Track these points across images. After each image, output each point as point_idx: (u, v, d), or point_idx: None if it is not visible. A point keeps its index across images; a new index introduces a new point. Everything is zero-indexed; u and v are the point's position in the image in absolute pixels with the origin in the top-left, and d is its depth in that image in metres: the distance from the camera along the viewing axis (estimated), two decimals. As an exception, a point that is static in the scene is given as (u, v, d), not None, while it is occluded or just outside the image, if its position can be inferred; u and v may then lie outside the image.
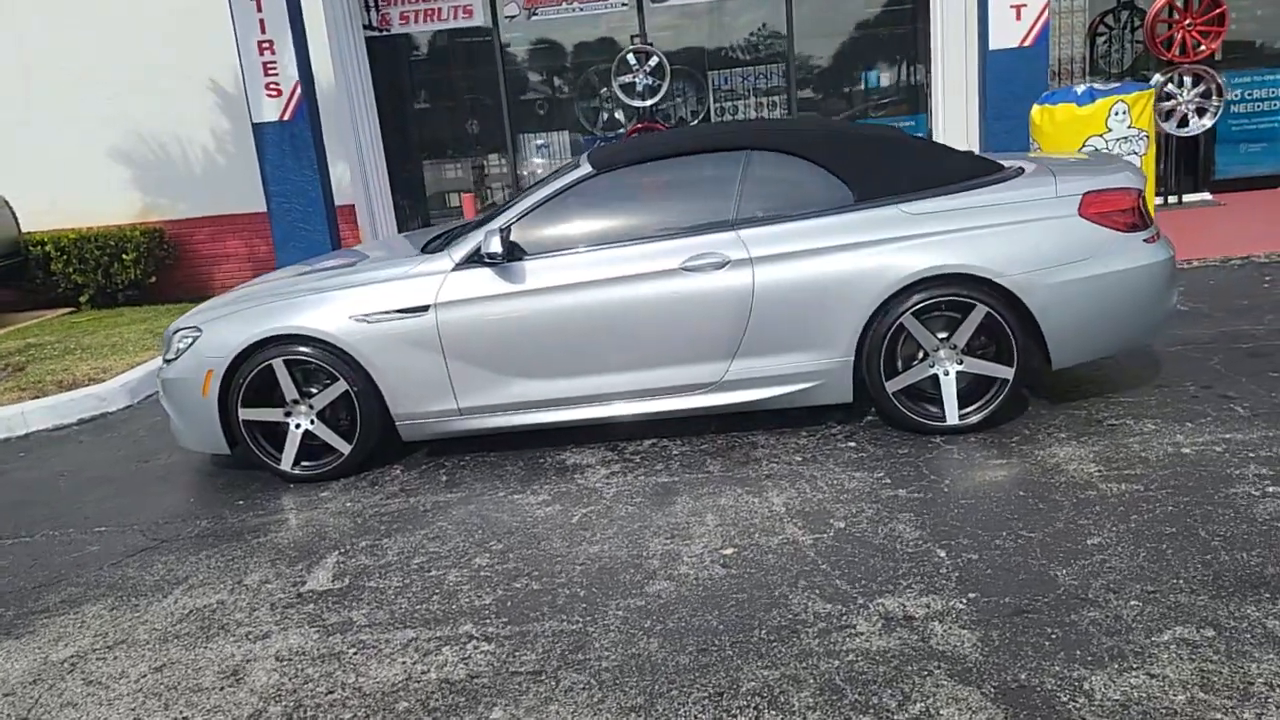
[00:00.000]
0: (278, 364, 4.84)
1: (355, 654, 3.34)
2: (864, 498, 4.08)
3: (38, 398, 6.75)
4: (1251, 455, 4.09)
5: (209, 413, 4.93)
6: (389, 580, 3.83)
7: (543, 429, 4.93)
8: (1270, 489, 3.78)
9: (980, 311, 4.50)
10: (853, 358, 4.61)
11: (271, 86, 9.29)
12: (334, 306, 4.83)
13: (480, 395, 4.81)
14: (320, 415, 4.91)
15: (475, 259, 4.70)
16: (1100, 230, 4.48)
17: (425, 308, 4.75)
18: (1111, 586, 3.25)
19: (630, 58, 9.97)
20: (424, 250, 5.09)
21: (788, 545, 3.75)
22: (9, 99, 11.16)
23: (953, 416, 4.61)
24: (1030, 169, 4.81)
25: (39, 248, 10.84)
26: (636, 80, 9.97)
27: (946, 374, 4.61)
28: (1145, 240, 4.53)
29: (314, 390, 4.90)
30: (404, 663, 3.25)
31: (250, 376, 4.86)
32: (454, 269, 4.76)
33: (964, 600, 3.25)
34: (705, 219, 4.73)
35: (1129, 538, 3.54)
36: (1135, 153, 7.01)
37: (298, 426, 4.93)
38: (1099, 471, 4.09)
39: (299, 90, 9.30)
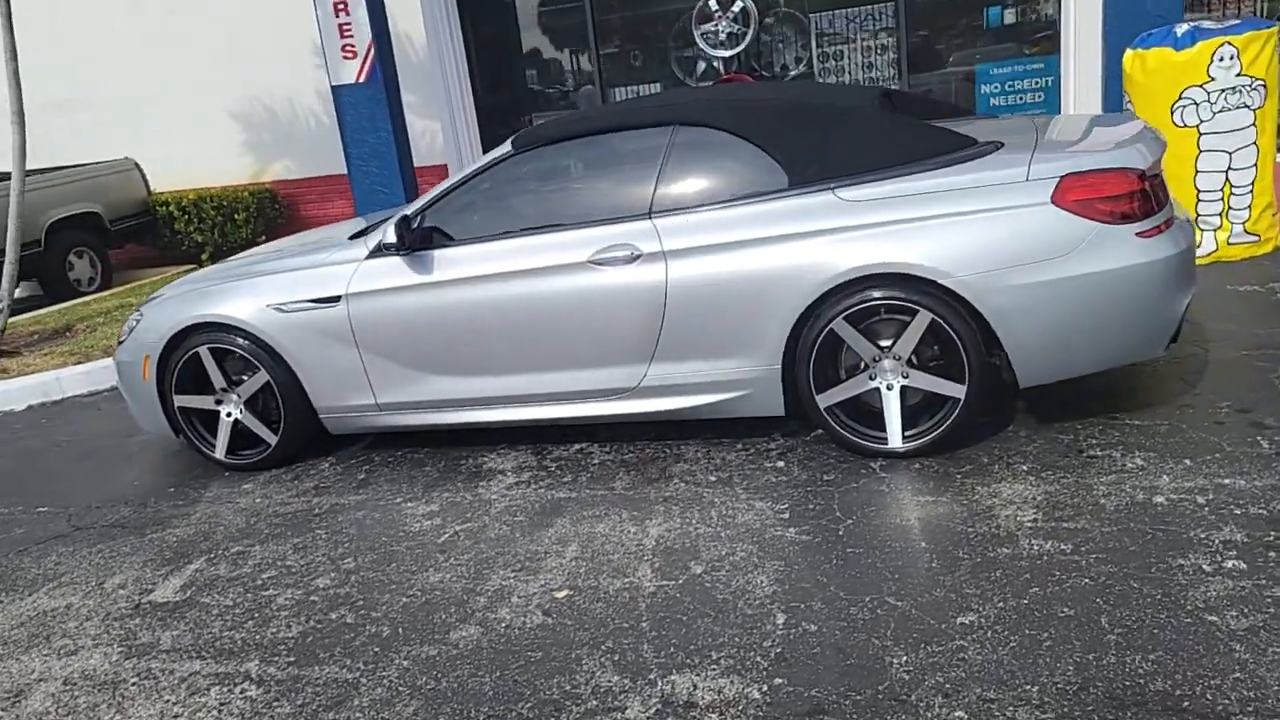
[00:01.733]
0: (203, 352, 4.74)
1: (133, 685, 3.17)
2: (746, 536, 3.54)
3: (81, 363, 7.01)
4: (1237, 512, 3.26)
5: (150, 397, 4.90)
6: (223, 597, 3.64)
7: (471, 429, 4.60)
8: (1228, 563, 2.99)
9: (924, 318, 3.79)
10: (779, 366, 4.01)
11: (347, 48, 9.23)
12: (254, 295, 4.66)
13: (397, 391, 4.54)
14: (251, 405, 4.77)
15: (388, 248, 4.38)
16: (1078, 222, 3.65)
17: (337, 299, 4.50)
18: (947, 687, 2.62)
19: (712, 3, 9.28)
20: (355, 236, 4.82)
21: (627, 592, 3.28)
22: (140, 71, 11.69)
23: (895, 439, 3.95)
24: (1013, 144, 4.00)
25: (164, 208, 11.38)
26: (719, 28, 9.29)
27: (890, 388, 3.94)
28: (1140, 234, 3.67)
29: (244, 379, 4.76)
30: (167, 701, 3.06)
31: (181, 363, 4.77)
32: (367, 257, 4.48)
33: (764, 688, 2.72)
34: (623, 205, 4.21)
35: (1011, 618, 2.87)
36: (1246, 105, 5.80)
37: (228, 415, 4.82)
38: (1033, 522, 3.37)
39: (373, 51, 9.20)
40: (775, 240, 3.91)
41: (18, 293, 10.71)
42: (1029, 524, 3.36)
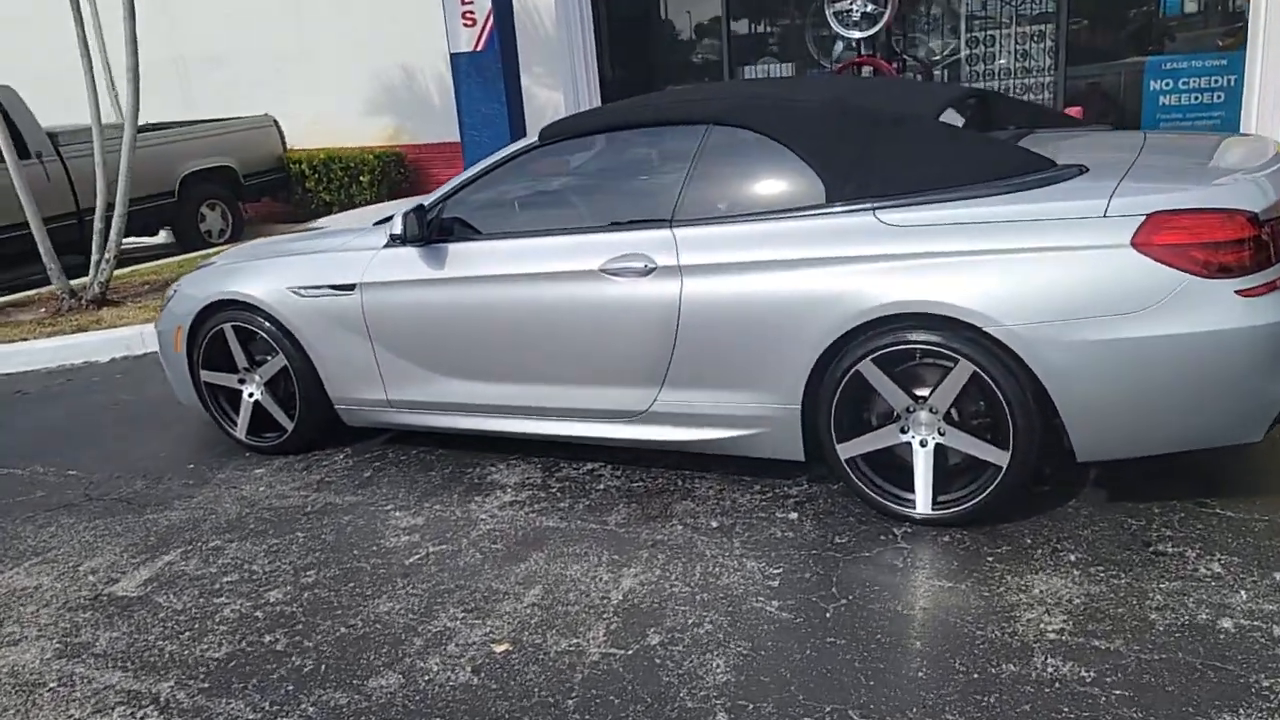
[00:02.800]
0: (227, 329, 4.60)
1: (48, 692, 3.03)
2: (722, 604, 3.10)
3: (168, 319, 7.08)
4: (1321, 655, 2.60)
5: (183, 369, 4.82)
6: (177, 599, 3.47)
7: (478, 436, 4.30)
8: (1286, 729, 2.36)
9: (965, 369, 3.23)
10: (799, 406, 3.52)
11: (467, 15, 9.05)
12: (276, 276, 4.48)
13: (408, 389, 4.27)
14: (272, 388, 4.61)
15: (395, 239, 4.10)
16: (1163, 271, 3.01)
17: (352, 287, 4.25)
18: None
19: (848, -20, 8.60)
20: (380, 222, 4.56)
21: (569, 656, 2.91)
22: (286, 30, 11.88)
23: (924, 504, 3.40)
24: (1101, 169, 3.35)
25: (297, 166, 11.57)
26: (853, 7, 8.59)
27: (923, 445, 3.39)
28: (1242, 291, 2.99)
29: (266, 360, 4.60)
30: (70, 716, 2.88)
31: (208, 339, 4.66)
32: (384, 246, 4.20)
33: (667, 811, 2.29)
34: (644, 210, 3.79)
35: (987, 765, 2.34)
36: None
37: (250, 396, 4.68)
38: (1057, 633, 2.80)
39: (492, 20, 8.98)
40: (802, 264, 3.41)
41: (157, 239, 11.16)
42: (1052, 635, 2.78)
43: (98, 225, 7.89)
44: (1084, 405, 3.14)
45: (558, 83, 10.33)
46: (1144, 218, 3.04)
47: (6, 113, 9.05)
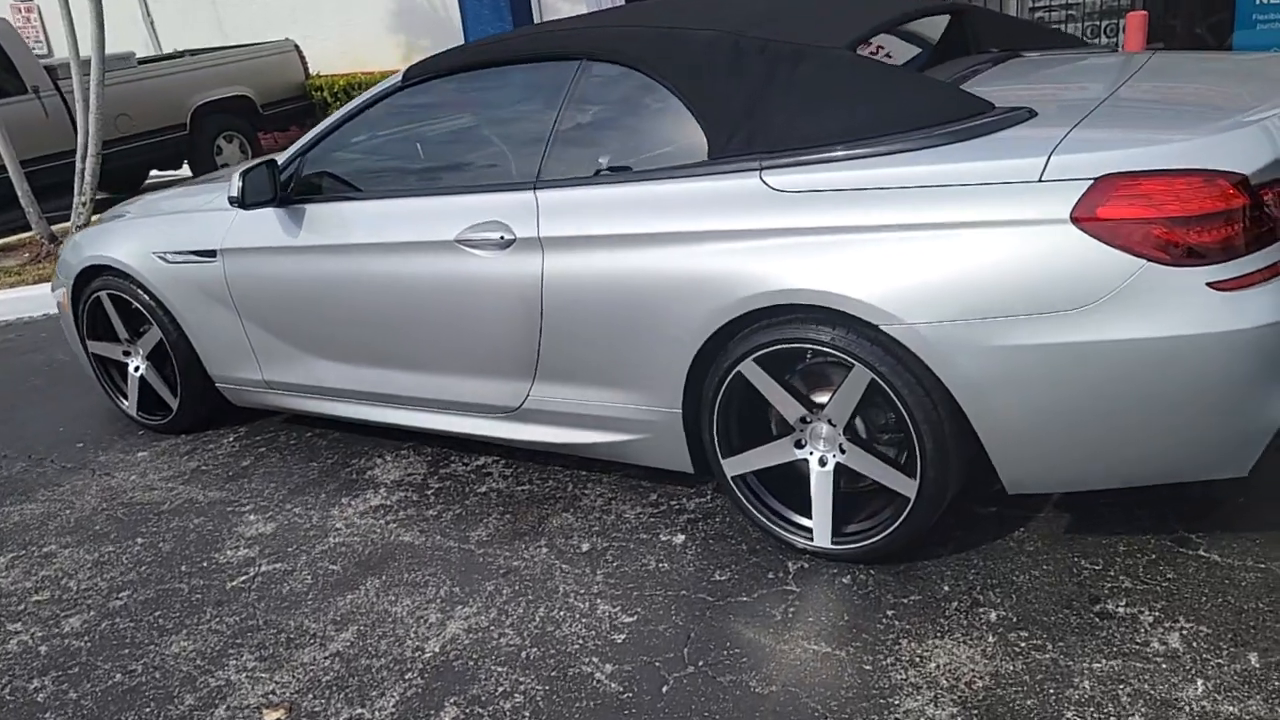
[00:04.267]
0: (104, 297, 4.14)
1: None
2: (550, 663, 2.53)
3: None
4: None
5: (74, 336, 4.41)
6: (-27, 623, 3.07)
7: (358, 424, 3.77)
8: None
9: (861, 377, 2.53)
10: (680, 411, 2.88)
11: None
12: (143, 238, 3.98)
13: (281, 369, 3.76)
14: (157, 363, 4.16)
15: (233, 201, 3.53)
16: (1112, 255, 2.25)
17: (213, 253, 3.73)
18: None
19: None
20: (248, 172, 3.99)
21: (344, 732, 2.39)
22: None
23: (823, 535, 2.75)
24: (1052, 113, 2.56)
25: (319, 93, 11.09)
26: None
27: (822, 464, 2.73)
28: (1216, 284, 2.21)
29: (144, 332, 4.15)
30: None
31: (88, 306, 4.22)
32: (245, 206, 3.64)
33: None
34: (508, 168, 3.15)
35: None
36: None
37: (136, 370, 4.23)
38: (938, 734, 2.15)
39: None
40: (675, 239, 2.73)
41: (177, 173, 10.85)
42: (931, 737, 2.14)
43: (78, 166, 7.55)
44: (1008, 427, 2.42)
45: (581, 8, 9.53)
46: (1090, 182, 2.27)
47: (2, 47, 8.74)
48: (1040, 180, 2.31)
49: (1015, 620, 2.47)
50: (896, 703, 2.25)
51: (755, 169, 2.65)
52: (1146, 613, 2.44)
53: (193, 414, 4.16)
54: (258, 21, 11.83)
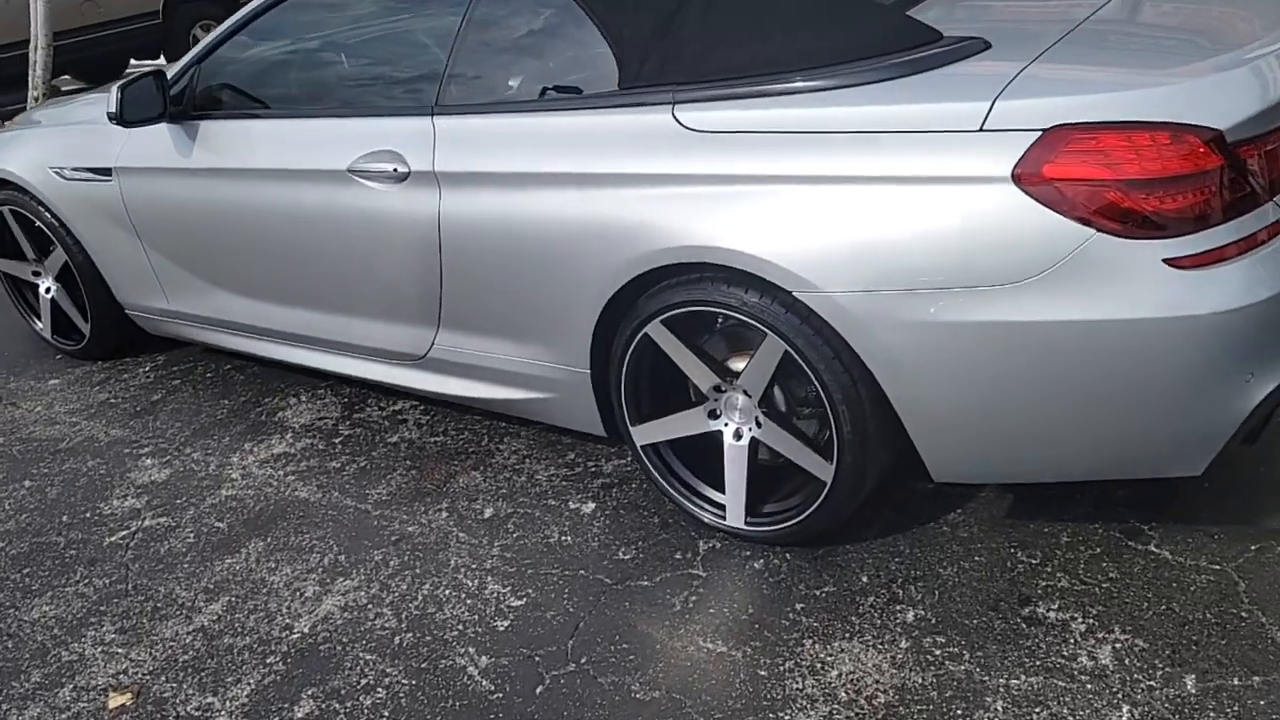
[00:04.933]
0: (5, 213, 3.85)
1: None
2: (422, 651, 2.32)
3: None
4: None
5: (-20, 253, 4.13)
6: None
7: (264, 361, 3.51)
8: None
9: (774, 347, 2.24)
10: (589, 371, 2.59)
11: None
12: (40, 151, 3.67)
13: (185, 300, 3.50)
14: (67, 284, 3.89)
15: (111, 117, 3.20)
16: (1057, 221, 1.92)
17: (108, 171, 3.42)
18: None
19: None
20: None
21: (191, 723, 2.19)
22: None
23: (736, 514, 2.49)
24: (1011, 45, 2.19)
25: None
26: None
27: (738, 437, 2.45)
28: (1175, 261, 1.88)
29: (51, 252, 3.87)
30: None
31: (-8, 222, 3.93)
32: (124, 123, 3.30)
33: None
34: (408, 90, 2.81)
35: None
36: None
37: (47, 292, 3.97)
38: (825, 762, 1.92)
39: None
40: (577, 180, 2.41)
41: (160, 62, 10.39)
42: (817, 764, 1.91)
43: (32, 58, 7.16)
44: (934, 411, 2.13)
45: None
46: (1038, 134, 1.93)
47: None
48: (981, 129, 1.97)
49: (934, 622, 2.22)
50: (785, 714, 2.02)
51: (668, 102, 2.31)
52: (1080, 619, 2.18)
53: (105, 341, 3.92)
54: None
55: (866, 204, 2.06)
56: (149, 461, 3.26)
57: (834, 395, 2.18)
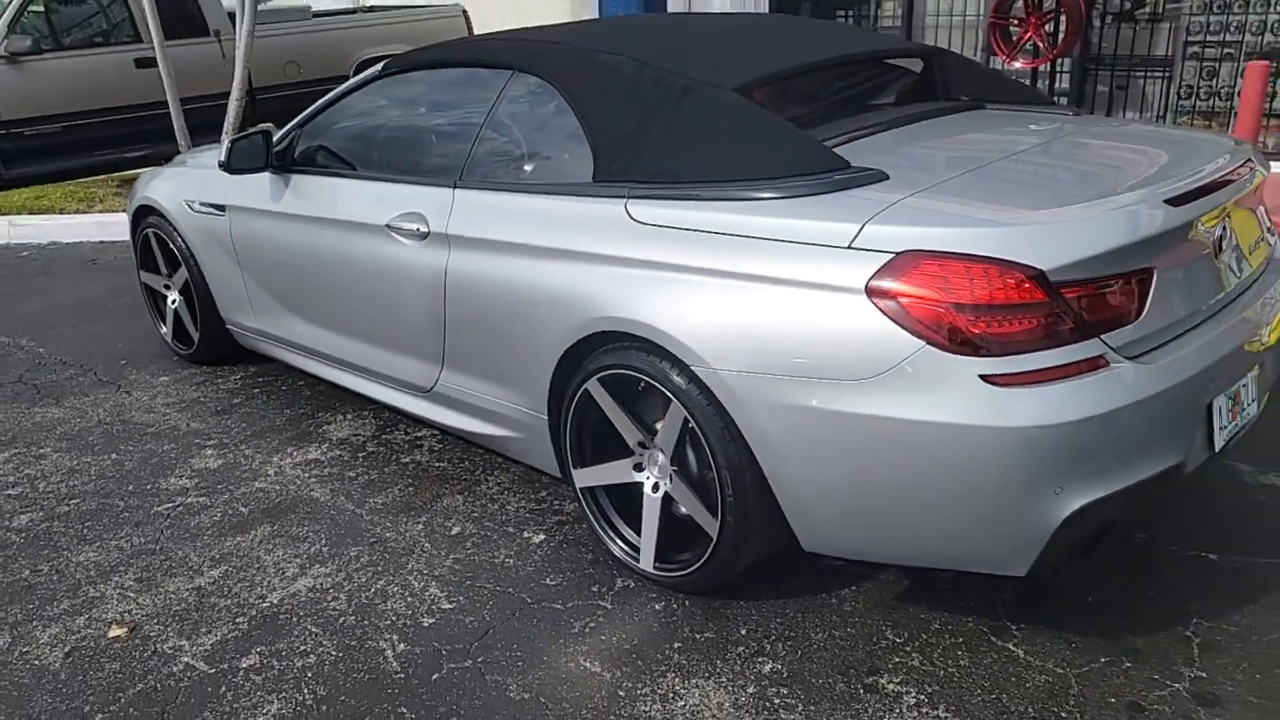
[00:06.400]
0: (150, 235, 4.61)
1: None
2: (352, 633, 2.74)
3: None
4: None
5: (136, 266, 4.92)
6: (-48, 504, 3.56)
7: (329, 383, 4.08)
8: None
9: (678, 412, 2.59)
10: (545, 417, 3.01)
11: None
12: (179, 187, 4.41)
13: (267, 320, 4.11)
14: (187, 298, 4.61)
15: (222, 165, 3.87)
16: (895, 332, 2.21)
17: (223, 207, 4.10)
18: None
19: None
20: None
21: (154, 660, 2.69)
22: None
23: (648, 559, 2.82)
24: (906, 177, 2.51)
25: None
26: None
27: (655, 490, 2.80)
28: (989, 377, 2.15)
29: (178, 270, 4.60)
30: None
31: (141, 240, 4.71)
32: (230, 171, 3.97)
33: None
34: (441, 163, 3.33)
35: None
36: None
37: (172, 303, 4.70)
38: (637, 770, 2.23)
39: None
40: (550, 254, 2.85)
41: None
42: (631, 771, 2.21)
43: (230, 107, 8.23)
44: (797, 486, 2.43)
45: (724, 4, 9.54)
46: (891, 256, 2.24)
47: (192, -10, 9.59)
48: (849, 247, 2.30)
49: (785, 676, 2.48)
50: (627, 732, 2.33)
51: (624, 196, 2.72)
52: (913, 694, 2.40)
53: (210, 349, 4.57)
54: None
55: (757, 298, 2.40)
56: (210, 452, 3.84)
57: (720, 461, 2.50)
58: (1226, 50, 7.25)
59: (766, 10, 9.47)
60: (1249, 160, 2.65)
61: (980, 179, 2.50)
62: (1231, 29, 7.19)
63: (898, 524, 2.35)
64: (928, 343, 2.17)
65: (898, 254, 2.22)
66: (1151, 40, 7.55)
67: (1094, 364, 2.17)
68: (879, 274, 2.22)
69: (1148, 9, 7.51)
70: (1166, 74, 7.53)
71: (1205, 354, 2.35)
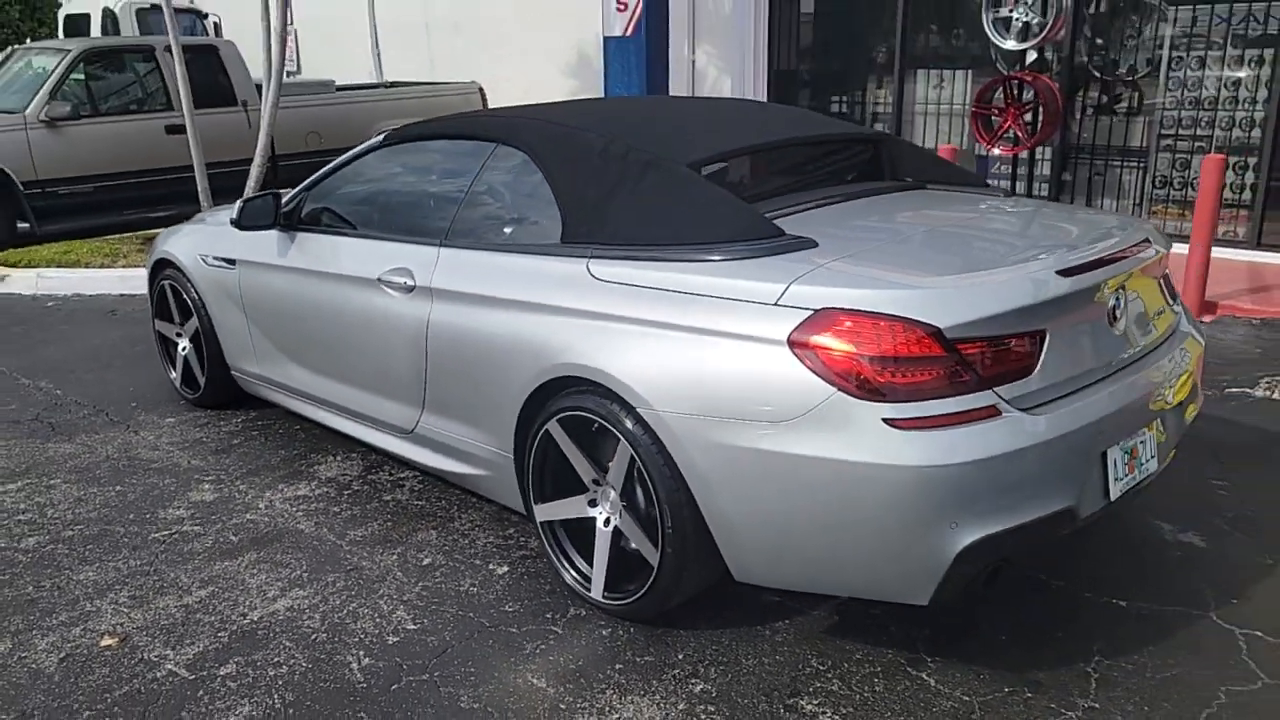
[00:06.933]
0: (165, 286, 4.95)
1: None
2: (320, 648, 2.98)
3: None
4: None
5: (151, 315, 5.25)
6: (-35, 526, 3.84)
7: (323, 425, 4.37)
8: None
9: (625, 451, 2.86)
10: (512, 456, 3.28)
11: (620, 2, 9.03)
12: (195, 242, 4.76)
13: (268, 366, 4.42)
14: (196, 345, 4.92)
15: (234, 222, 4.22)
16: (809, 379, 2.49)
17: (233, 261, 4.44)
18: None
19: (1009, -16, 7.61)
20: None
21: (140, 667, 2.93)
22: (501, 18, 12.40)
23: (597, 588, 3.07)
24: (832, 246, 2.82)
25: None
26: (1014, 14, 7.60)
27: (606, 524, 3.05)
28: (892, 420, 2.42)
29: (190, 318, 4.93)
30: None
31: (157, 291, 5.04)
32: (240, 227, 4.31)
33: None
34: (429, 224, 3.65)
35: None
36: None
37: (182, 349, 5.02)
38: (568, 771, 2.45)
39: (641, 7, 8.90)
40: (519, 306, 3.15)
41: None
42: (563, 772, 2.43)
43: (252, 172, 8.68)
44: (726, 518, 2.68)
45: (727, 66, 10.02)
46: (810, 313, 2.52)
47: (224, 64, 10.14)
48: (775, 304, 2.59)
49: (714, 695, 2.71)
50: (560, 739, 2.55)
51: (586, 257, 3.03)
52: (829, 715, 2.62)
53: (215, 394, 4.88)
54: (459, 56, 13.01)
55: (696, 348, 2.69)
56: (207, 486, 4.12)
57: (661, 496, 2.76)
58: (1198, 143, 7.60)
59: (765, 95, 9.93)
60: (1146, 239, 2.94)
61: (899, 248, 2.80)
62: (1202, 124, 7.55)
63: (814, 554, 2.60)
64: (839, 389, 2.44)
65: (816, 310, 2.51)
66: (1128, 132, 7.91)
67: (987, 412, 2.44)
68: (800, 328, 2.51)
69: (1124, 103, 7.89)
70: (1142, 164, 7.88)
71: (1096, 409, 2.61)
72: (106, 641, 3.05)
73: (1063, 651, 2.84)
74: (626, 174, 3.09)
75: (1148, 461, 2.86)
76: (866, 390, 2.42)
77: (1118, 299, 2.78)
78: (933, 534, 2.42)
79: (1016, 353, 2.51)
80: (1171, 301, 3.15)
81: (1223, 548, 3.38)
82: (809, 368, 2.48)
